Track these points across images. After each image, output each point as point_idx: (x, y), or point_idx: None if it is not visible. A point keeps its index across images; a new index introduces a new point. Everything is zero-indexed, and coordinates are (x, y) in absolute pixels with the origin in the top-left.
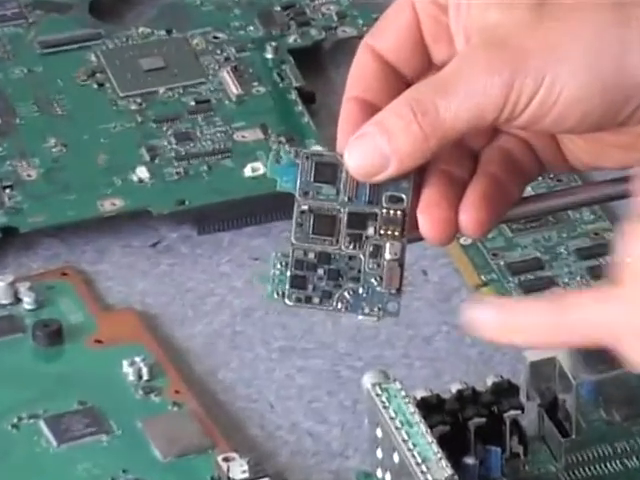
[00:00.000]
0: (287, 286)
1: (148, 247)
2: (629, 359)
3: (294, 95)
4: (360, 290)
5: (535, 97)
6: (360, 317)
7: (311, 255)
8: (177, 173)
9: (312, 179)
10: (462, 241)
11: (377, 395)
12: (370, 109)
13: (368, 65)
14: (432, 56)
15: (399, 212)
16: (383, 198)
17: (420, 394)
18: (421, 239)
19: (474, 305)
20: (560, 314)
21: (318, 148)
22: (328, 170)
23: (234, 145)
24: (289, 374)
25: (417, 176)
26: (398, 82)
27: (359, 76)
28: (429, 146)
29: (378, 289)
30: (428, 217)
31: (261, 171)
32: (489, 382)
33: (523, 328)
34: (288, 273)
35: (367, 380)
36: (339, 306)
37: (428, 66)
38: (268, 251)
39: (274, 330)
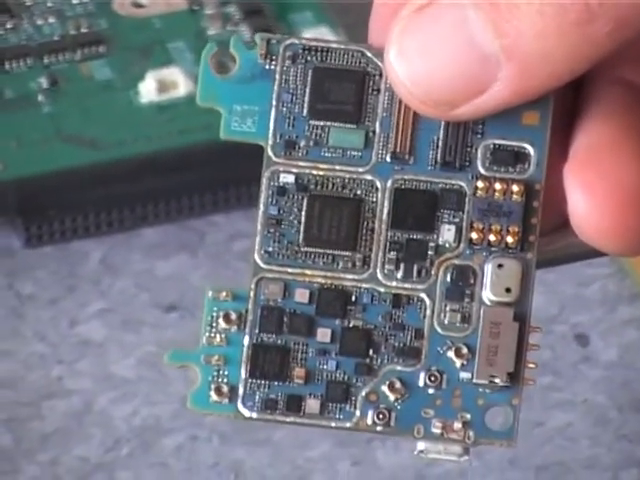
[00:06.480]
0: (243, 372)
1: None
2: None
3: None
4: (420, 378)
5: None
6: (421, 447)
7: (299, 295)
8: None
9: (306, 109)
10: None
11: None
12: None
13: None
14: None
15: (516, 187)
16: (479, 155)
17: None
18: (583, 255)
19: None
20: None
21: (326, 38)
22: (345, 87)
23: (113, 25)
24: None
25: (563, 104)
26: None
27: None
28: (598, 32)
29: (463, 376)
30: (598, 190)
31: (180, 91)
32: None
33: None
34: (246, 340)
35: None
36: (369, 420)
37: None
38: (197, 287)
39: None
